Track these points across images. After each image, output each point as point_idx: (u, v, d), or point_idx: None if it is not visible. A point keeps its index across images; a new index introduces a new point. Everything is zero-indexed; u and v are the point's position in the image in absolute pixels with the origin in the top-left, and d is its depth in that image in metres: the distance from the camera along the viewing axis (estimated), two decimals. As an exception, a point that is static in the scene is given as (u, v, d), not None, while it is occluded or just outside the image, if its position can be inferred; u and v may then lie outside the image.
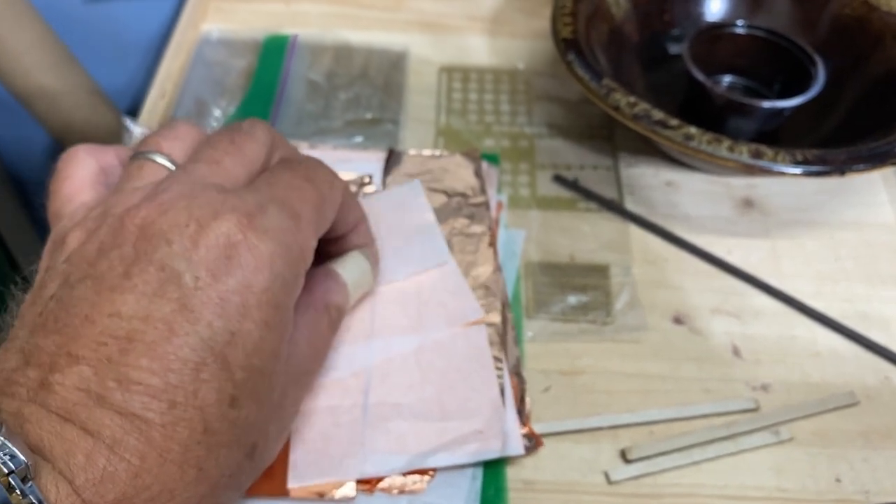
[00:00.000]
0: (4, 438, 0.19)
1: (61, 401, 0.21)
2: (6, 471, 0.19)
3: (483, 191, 0.39)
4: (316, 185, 0.28)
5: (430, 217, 0.37)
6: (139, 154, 0.27)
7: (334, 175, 0.30)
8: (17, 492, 0.19)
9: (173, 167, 0.27)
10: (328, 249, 0.32)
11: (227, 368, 0.23)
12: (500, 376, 0.32)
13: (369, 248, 0.33)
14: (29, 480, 0.19)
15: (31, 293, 0.24)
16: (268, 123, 0.29)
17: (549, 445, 0.32)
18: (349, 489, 0.29)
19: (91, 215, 0.25)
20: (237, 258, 0.24)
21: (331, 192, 0.29)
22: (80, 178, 0.27)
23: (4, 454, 0.19)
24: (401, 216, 0.37)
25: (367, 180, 0.39)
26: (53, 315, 0.23)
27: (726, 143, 0.35)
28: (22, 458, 0.19)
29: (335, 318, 0.30)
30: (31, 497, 0.19)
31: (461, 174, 0.39)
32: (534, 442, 0.31)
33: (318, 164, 0.29)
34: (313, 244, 0.27)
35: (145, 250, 0.23)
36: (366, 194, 0.39)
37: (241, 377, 0.23)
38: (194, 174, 0.26)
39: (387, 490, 0.29)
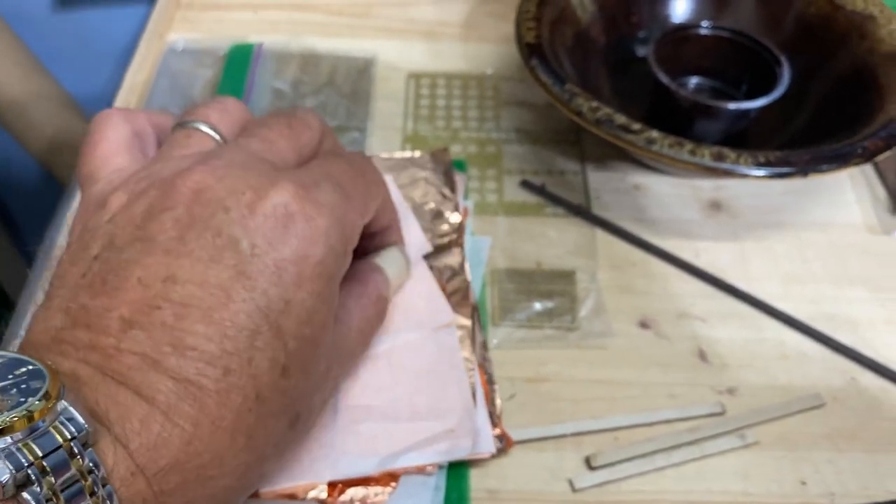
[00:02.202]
0: (69, 404, 0.19)
1: (116, 364, 0.21)
2: (69, 436, 0.19)
3: (453, 190, 0.38)
4: (365, 176, 0.29)
5: (407, 210, 0.37)
6: (186, 122, 0.27)
7: (379, 173, 0.30)
8: (79, 457, 0.19)
9: (220, 139, 0.27)
10: (364, 245, 0.32)
11: (281, 337, 0.23)
12: (471, 377, 0.32)
13: (402, 245, 0.34)
14: (89, 446, 0.19)
15: (70, 252, 0.24)
16: (318, 114, 0.30)
17: (513, 454, 0.32)
18: (321, 491, 0.29)
19: (134, 178, 0.25)
20: (294, 228, 0.24)
21: (376, 186, 0.29)
22: (114, 140, 0.27)
23: (67, 419, 0.19)
24: None
25: None
26: (100, 276, 0.22)
27: (688, 146, 0.34)
28: (83, 423, 0.19)
29: (381, 309, 0.31)
30: (90, 462, 0.19)
31: (431, 176, 0.39)
32: (504, 442, 0.31)
33: (368, 160, 0.30)
34: (360, 225, 0.27)
35: (201, 215, 0.23)
36: None
37: (293, 346, 0.23)
38: (247, 148, 0.26)
39: (348, 503, 0.29)
